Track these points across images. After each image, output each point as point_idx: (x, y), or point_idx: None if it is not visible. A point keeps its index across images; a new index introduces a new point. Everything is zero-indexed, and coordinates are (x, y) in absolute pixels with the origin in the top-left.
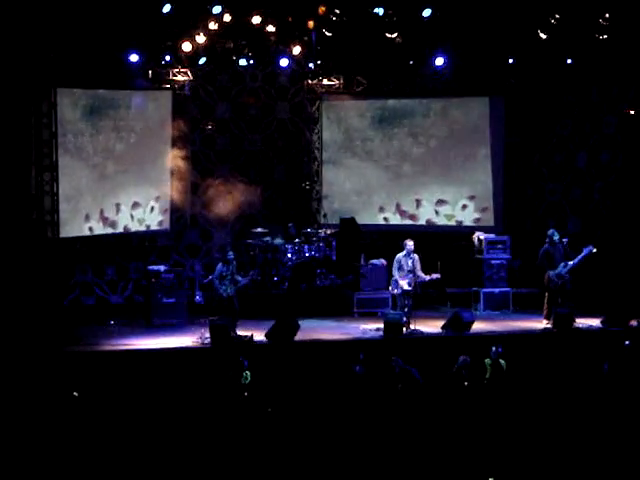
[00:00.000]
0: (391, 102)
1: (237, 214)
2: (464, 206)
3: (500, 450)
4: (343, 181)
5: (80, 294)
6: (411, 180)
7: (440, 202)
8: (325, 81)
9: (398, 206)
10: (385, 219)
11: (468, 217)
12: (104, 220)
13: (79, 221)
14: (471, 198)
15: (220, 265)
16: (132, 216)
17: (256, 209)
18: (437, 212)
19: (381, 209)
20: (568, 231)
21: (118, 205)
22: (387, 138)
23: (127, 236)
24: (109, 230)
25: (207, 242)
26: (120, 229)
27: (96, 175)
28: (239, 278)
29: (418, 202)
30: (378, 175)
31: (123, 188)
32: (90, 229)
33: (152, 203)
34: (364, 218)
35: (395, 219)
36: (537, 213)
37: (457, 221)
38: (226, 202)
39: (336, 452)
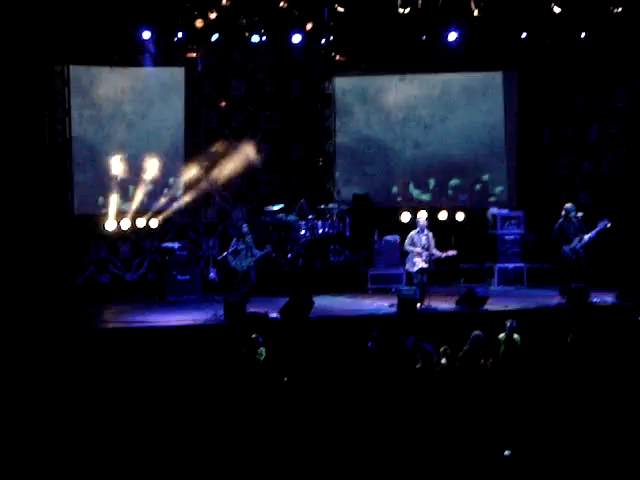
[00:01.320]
0: (404, 77)
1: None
2: (478, 183)
3: (515, 424)
4: (356, 159)
5: (95, 272)
6: (424, 159)
7: (454, 184)
8: (338, 57)
9: (410, 187)
10: (398, 201)
11: (484, 198)
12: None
13: (92, 199)
14: (485, 179)
15: (234, 240)
16: (146, 197)
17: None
18: (450, 193)
19: (394, 192)
20: (580, 204)
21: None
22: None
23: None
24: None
25: (223, 220)
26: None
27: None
28: (255, 251)
29: (429, 184)
30: (391, 156)
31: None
32: (104, 207)
33: (167, 182)
34: (377, 196)
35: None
36: (549, 187)
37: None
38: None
39: (350, 429)
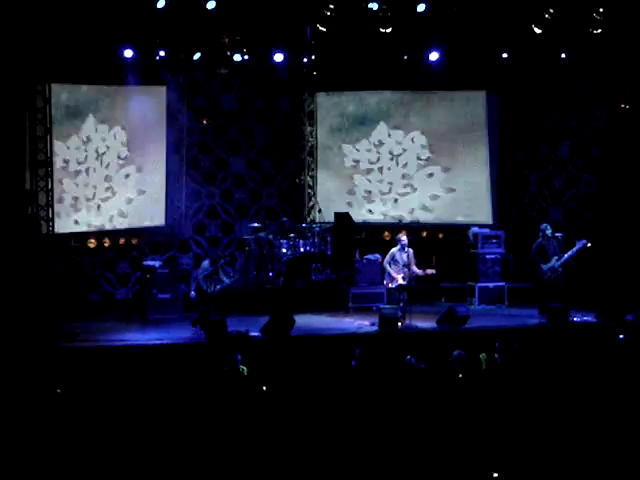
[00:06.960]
0: (380, 97)
1: None
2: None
3: (497, 445)
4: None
5: (84, 289)
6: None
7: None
8: (319, 76)
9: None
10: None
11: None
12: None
13: (69, 218)
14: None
15: (207, 262)
16: (125, 212)
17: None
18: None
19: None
20: (550, 221)
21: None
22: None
23: (126, 231)
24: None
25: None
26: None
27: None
28: (223, 278)
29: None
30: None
31: (122, 183)
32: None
33: (146, 196)
34: (354, 212)
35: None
36: (529, 206)
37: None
38: None
39: (333, 445)
